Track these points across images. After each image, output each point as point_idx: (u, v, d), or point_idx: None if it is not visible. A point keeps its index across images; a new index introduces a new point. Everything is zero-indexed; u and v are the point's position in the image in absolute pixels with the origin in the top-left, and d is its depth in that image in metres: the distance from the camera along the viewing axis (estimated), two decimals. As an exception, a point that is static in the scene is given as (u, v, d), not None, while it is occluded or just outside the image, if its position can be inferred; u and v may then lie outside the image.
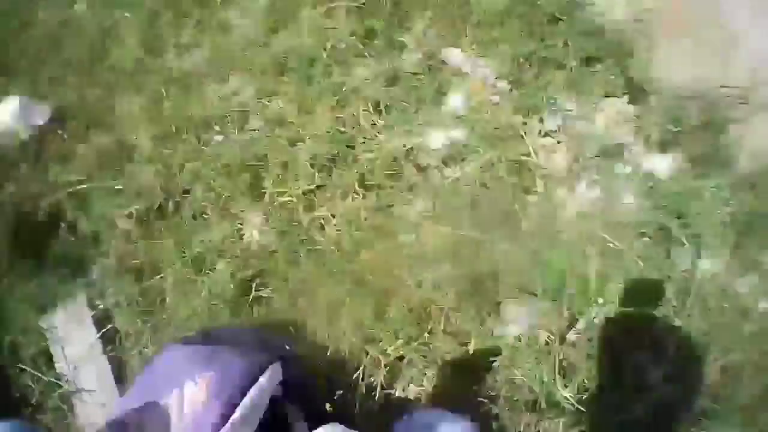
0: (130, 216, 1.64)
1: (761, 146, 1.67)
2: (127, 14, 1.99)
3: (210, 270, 1.58)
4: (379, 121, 1.72)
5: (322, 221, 1.62)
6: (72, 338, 1.54)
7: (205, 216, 1.66)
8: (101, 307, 1.58)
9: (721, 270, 1.53)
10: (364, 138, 1.70)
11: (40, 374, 1.51)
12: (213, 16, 1.97)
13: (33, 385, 1.50)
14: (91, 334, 1.53)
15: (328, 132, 1.69)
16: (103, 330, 1.54)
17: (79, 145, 1.78)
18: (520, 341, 1.45)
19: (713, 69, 1.75)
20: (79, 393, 1.50)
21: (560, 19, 1.81)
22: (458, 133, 1.68)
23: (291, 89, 1.79)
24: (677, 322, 1.47)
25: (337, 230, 1.60)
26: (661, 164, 1.65)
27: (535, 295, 1.49)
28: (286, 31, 1.89)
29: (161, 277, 1.58)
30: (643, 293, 1.49)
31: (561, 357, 1.43)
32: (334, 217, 1.61)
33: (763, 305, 1.50)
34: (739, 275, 1.53)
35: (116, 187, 1.69)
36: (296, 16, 1.89)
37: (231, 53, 1.89)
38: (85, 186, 1.69)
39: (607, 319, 1.47)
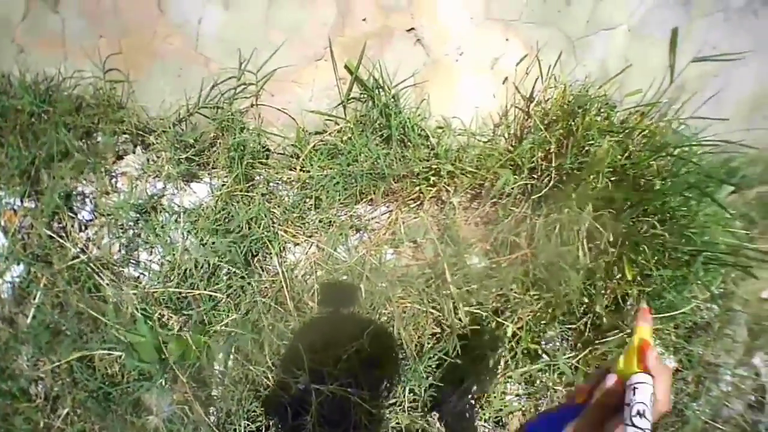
0: None
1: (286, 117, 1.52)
2: None
3: None
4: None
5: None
6: None
7: None
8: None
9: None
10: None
11: None
12: None
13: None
14: None
15: None
16: None
17: None
18: (173, 423, 1.39)
19: (194, 72, 1.56)
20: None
21: (42, 112, 1.58)
22: (17, 270, 1.54)
23: None
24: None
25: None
26: (200, 191, 1.53)
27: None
28: None
29: None
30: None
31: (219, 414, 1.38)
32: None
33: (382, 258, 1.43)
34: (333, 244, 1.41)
35: None
36: None
37: None
38: None
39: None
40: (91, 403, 1.44)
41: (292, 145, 1.52)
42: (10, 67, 1.74)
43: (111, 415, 1.42)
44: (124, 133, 1.58)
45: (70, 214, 1.54)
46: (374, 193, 1.44)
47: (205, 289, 1.38)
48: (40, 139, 1.58)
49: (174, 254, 1.43)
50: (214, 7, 1.53)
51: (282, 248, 1.42)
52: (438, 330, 1.41)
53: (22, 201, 1.59)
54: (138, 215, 1.49)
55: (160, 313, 1.38)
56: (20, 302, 1.57)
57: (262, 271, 1.41)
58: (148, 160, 1.55)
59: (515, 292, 1.42)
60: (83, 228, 1.55)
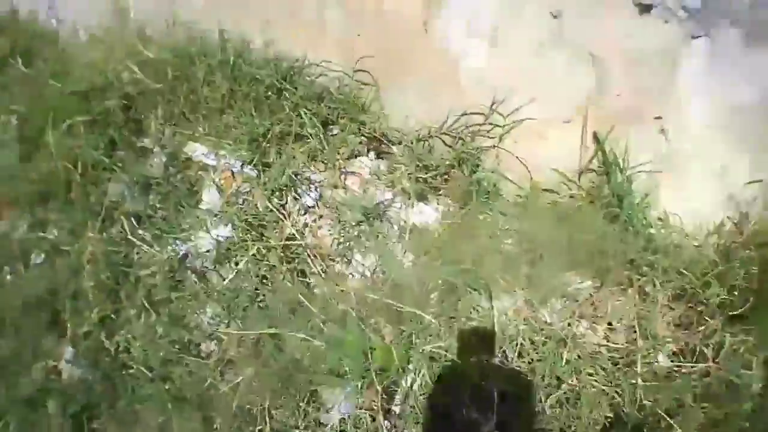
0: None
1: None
2: None
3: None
4: (146, 234, 1.63)
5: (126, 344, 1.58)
6: None
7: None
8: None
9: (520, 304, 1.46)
10: (138, 253, 1.62)
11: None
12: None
13: None
14: None
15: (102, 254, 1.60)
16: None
17: None
18: (345, 424, 1.45)
19: (445, 99, 1.58)
20: None
21: (283, 90, 1.61)
22: (223, 231, 1.60)
23: (58, 216, 1.70)
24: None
25: (142, 350, 1.56)
26: (428, 213, 1.56)
27: (344, 376, 1.44)
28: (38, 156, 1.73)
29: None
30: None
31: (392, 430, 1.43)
32: (135, 338, 1.57)
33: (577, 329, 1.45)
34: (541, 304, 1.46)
35: None
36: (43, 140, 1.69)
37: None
38: None
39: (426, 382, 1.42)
40: (270, 379, 1.47)
41: (522, 196, 1.57)
42: (252, 35, 1.75)
43: (289, 398, 1.46)
44: (363, 136, 1.62)
45: (294, 195, 1.57)
46: (587, 266, 1.50)
47: (418, 309, 1.42)
48: (276, 115, 1.61)
49: (389, 266, 1.48)
50: (480, 42, 1.55)
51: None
52: (611, 416, 1.46)
53: (242, 167, 1.62)
54: (363, 217, 1.54)
55: (375, 320, 1.42)
56: (219, 261, 1.60)
57: (473, 309, 1.46)
58: (379, 166, 1.60)
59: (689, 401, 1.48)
60: (302, 212, 1.59)
